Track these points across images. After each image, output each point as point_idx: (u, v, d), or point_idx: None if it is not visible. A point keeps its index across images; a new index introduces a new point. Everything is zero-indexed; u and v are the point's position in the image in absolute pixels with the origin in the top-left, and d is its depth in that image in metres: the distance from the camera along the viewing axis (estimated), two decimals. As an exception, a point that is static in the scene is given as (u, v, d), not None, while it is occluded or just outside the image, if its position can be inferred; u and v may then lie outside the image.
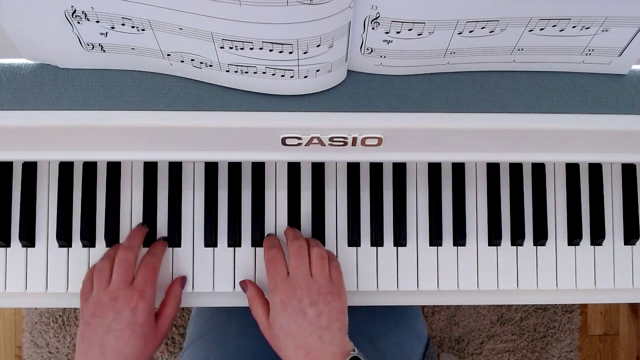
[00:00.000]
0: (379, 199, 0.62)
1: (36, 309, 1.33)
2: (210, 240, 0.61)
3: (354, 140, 0.50)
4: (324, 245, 0.62)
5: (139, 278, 0.55)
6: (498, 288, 0.63)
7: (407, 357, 0.70)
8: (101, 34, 0.44)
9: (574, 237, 0.63)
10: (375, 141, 0.50)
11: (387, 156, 0.55)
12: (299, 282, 0.53)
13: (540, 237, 0.63)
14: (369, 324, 0.70)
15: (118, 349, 0.52)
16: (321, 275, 0.54)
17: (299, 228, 0.62)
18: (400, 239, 0.62)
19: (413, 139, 0.51)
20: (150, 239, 0.61)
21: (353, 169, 0.62)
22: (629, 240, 0.64)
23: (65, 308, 1.35)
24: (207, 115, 0.48)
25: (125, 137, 0.51)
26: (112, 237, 0.60)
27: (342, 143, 0.50)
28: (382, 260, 0.62)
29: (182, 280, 0.61)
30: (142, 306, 0.53)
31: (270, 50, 0.43)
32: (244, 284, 0.60)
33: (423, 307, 1.38)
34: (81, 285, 0.58)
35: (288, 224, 0.62)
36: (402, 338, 0.71)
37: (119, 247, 0.57)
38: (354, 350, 0.52)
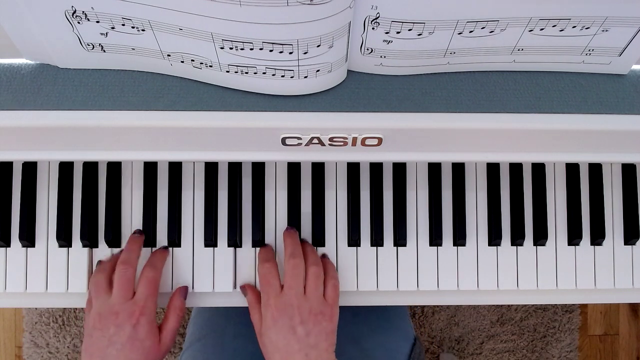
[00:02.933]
0: (379, 199, 0.62)
1: (36, 309, 1.33)
2: (210, 240, 0.61)
3: (354, 140, 0.50)
4: (323, 245, 0.62)
5: (139, 293, 0.55)
6: (498, 288, 0.63)
7: (393, 357, 0.70)
8: (101, 34, 0.44)
9: (574, 237, 0.63)
10: (375, 141, 0.50)
11: (387, 156, 0.55)
12: (291, 300, 0.54)
13: (540, 237, 0.63)
14: (353, 325, 0.70)
15: None
16: (314, 295, 0.55)
17: (299, 228, 0.62)
18: (400, 239, 0.62)
19: (413, 139, 0.51)
20: (150, 239, 0.61)
21: (353, 169, 0.62)
22: (629, 240, 0.64)
23: (65, 308, 1.35)
24: (207, 115, 0.48)
25: (125, 137, 0.51)
26: (112, 237, 0.60)
27: (342, 143, 0.50)
28: (382, 260, 0.62)
29: (183, 290, 0.60)
30: (143, 321, 0.54)
31: (271, 51, 0.43)
32: (243, 288, 0.60)
33: (423, 307, 1.38)
34: (87, 294, 0.58)
35: (288, 224, 0.62)
36: (387, 338, 0.71)
37: (116, 260, 0.57)
38: None
